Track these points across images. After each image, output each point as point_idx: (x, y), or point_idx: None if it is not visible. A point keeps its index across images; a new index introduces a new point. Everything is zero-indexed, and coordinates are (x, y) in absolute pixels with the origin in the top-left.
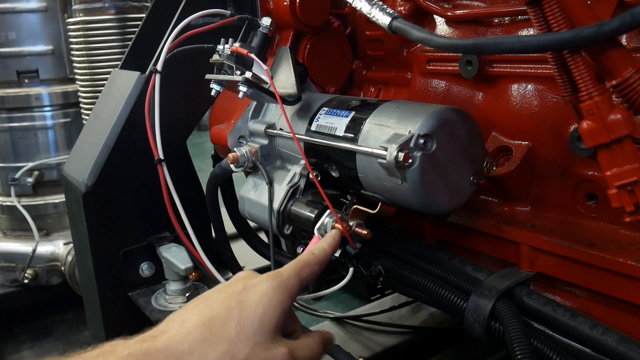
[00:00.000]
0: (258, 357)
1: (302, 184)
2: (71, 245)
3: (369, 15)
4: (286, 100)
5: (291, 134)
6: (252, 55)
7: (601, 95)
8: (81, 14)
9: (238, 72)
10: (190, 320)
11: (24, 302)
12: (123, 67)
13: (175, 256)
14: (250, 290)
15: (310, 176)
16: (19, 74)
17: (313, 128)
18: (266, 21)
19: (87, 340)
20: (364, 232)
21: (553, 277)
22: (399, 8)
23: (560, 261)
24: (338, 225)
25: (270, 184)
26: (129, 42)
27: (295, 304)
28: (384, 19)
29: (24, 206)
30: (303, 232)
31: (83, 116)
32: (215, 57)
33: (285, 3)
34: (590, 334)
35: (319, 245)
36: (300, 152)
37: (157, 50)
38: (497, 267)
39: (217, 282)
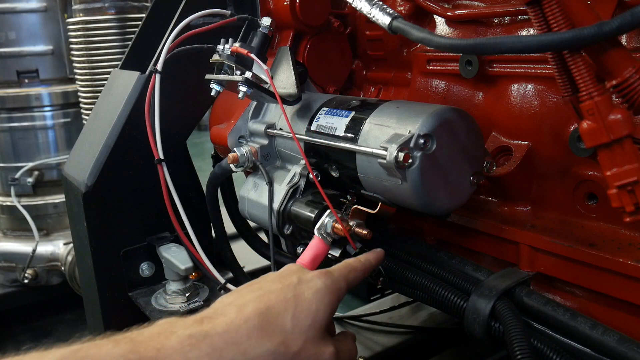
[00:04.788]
0: (309, 352)
1: (302, 184)
2: (71, 245)
3: (369, 15)
4: (286, 100)
5: (291, 134)
6: (252, 55)
7: (601, 95)
8: (81, 14)
9: (238, 72)
10: (248, 306)
11: (24, 302)
12: (123, 67)
13: (175, 256)
14: (305, 285)
15: (311, 176)
16: (19, 74)
17: (313, 128)
18: (266, 21)
19: None
20: (364, 232)
21: (553, 277)
22: (399, 8)
23: (560, 261)
24: (338, 226)
25: (270, 184)
26: (129, 42)
27: None
28: (384, 19)
29: (24, 206)
30: (303, 232)
31: (83, 116)
32: (215, 57)
33: (285, 3)
34: (590, 334)
35: (366, 255)
36: (301, 152)
37: (157, 50)
38: (497, 267)
39: (217, 282)
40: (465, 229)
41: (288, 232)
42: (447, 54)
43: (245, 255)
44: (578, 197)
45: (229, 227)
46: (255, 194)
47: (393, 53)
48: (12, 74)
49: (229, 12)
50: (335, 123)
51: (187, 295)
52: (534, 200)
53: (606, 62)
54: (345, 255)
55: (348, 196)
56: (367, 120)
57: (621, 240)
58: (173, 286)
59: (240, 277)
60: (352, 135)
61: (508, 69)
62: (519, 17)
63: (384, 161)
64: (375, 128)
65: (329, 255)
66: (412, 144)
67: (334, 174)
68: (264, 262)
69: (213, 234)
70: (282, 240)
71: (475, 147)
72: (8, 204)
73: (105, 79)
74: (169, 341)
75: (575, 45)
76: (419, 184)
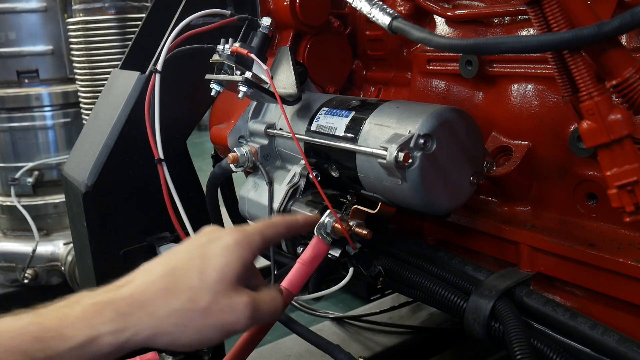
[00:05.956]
0: (220, 304)
1: (302, 184)
2: (71, 245)
3: (369, 15)
4: (286, 100)
5: (291, 134)
6: (252, 55)
7: (601, 95)
8: (81, 14)
9: (238, 72)
10: (155, 270)
11: (24, 302)
12: (123, 67)
13: None
14: (214, 243)
15: (310, 176)
16: (19, 74)
17: (313, 128)
18: (266, 21)
19: None
20: (364, 232)
21: (553, 277)
22: (399, 8)
23: (560, 261)
24: (338, 226)
25: (270, 184)
26: (129, 42)
27: (294, 303)
28: (384, 19)
29: (24, 206)
30: None
31: (83, 116)
32: (215, 57)
33: (285, 3)
34: (590, 334)
35: (293, 215)
36: (300, 152)
37: (157, 50)
38: (497, 267)
39: None
40: (465, 229)
41: None
42: (447, 54)
43: None
44: (578, 197)
45: None
46: (255, 194)
47: (393, 53)
48: (12, 74)
49: (229, 12)
50: (335, 123)
51: None
52: (534, 200)
53: (606, 62)
54: (345, 255)
55: (348, 196)
56: (367, 120)
57: (621, 240)
58: None
59: None
60: (352, 135)
61: (508, 69)
62: (519, 17)
63: (384, 161)
64: (375, 128)
65: (329, 255)
66: (412, 144)
67: (334, 174)
68: (264, 262)
69: None
70: (282, 240)
71: (475, 147)
72: (8, 204)
73: (105, 79)
74: (73, 310)
75: (575, 45)
76: (419, 184)
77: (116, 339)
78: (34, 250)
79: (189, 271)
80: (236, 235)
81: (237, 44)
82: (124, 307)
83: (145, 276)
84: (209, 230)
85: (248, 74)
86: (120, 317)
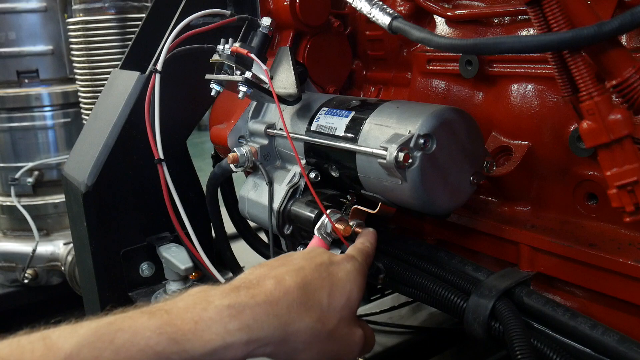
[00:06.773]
0: (342, 331)
1: (302, 184)
2: (71, 245)
3: (369, 15)
4: (286, 100)
5: (290, 134)
6: (252, 55)
7: (601, 95)
8: (81, 14)
9: (238, 72)
10: (287, 280)
11: (24, 302)
12: (123, 67)
13: (175, 256)
14: (336, 266)
15: (311, 176)
16: (19, 74)
17: (313, 128)
18: (266, 21)
19: None
20: None
21: (553, 277)
22: (399, 8)
23: (560, 261)
24: (338, 226)
25: (270, 184)
26: (129, 42)
27: None
28: (384, 19)
29: (24, 206)
30: (303, 232)
31: (83, 116)
32: (215, 57)
33: (285, 3)
34: (590, 334)
35: (367, 238)
36: (295, 153)
37: (157, 50)
38: (497, 267)
39: (217, 282)
40: (465, 229)
41: (288, 232)
42: (447, 54)
43: (245, 255)
44: (578, 197)
45: (229, 227)
46: (255, 194)
47: (393, 53)
48: (12, 74)
49: (229, 12)
50: (335, 123)
51: None
52: (534, 200)
53: (606, 62)
54: None
55: (348, 196)
56: (367, 120)
57: (621, 240)
58: (173, 286)
59: None
60: (352, 135)
61: (508, 69)
62: (519, 17)
63: (384, 161)
64: (375, 128)
65: None
66: (412, 144)
67: (334, 174)
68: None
69: (213, 234)
70: (282, 240)
71: (475, 147)
72: (8, 204)
73: (105, 79)
74: (207, 312)
75: (575, 45)
76: (419, 184)
77: (247, 348)
78: (34, 250)
79: (319, 289)
80: (355, 263)
81: (237, 44)
82: (260, 314)
83: (277, 284)
84: (321, 250)
85: (248, 74)
86: (257, 323)
